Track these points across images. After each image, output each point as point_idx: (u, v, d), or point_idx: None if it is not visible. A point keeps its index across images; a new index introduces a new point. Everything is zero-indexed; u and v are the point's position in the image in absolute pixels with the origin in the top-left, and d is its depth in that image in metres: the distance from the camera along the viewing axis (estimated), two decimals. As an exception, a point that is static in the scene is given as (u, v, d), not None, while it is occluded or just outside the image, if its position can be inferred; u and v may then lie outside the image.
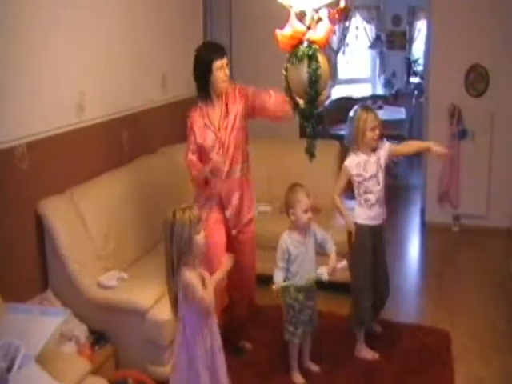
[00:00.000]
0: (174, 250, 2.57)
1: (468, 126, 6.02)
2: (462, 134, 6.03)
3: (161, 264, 3.84)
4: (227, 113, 3.48)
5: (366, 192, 3.74)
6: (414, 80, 11.10)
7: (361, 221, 3.78)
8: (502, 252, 5.66)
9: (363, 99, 9.41)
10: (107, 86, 4.17)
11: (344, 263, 3.56)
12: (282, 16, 6.59)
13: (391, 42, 11.08)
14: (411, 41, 11.36)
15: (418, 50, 11.35)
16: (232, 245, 3.59)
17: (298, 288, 3.44)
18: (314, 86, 2.39)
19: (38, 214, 3.44)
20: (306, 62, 2.40)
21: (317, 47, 2.41)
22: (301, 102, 2.42)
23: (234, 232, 3.62)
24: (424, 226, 6.52)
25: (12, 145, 3.25)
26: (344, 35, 9.41)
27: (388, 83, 11.15)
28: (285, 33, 2.44)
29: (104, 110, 4.14)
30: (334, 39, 9.37)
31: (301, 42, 2.44)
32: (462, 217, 6.28)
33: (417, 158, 8.40)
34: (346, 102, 9.14)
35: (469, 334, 4.14)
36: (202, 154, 3.47)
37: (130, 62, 4.49)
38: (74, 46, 3.77)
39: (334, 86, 9.46)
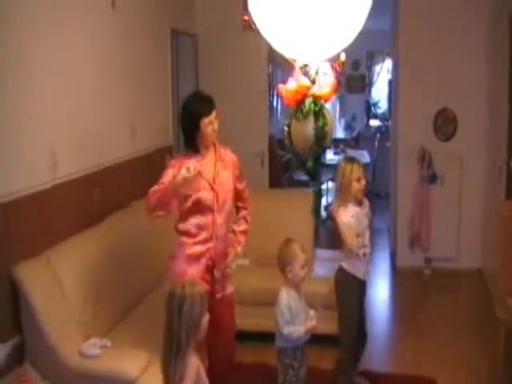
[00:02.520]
0: (182, 329, 2.34)
1: (437, 170, 6.07)
2: (432, 178, 6.07)
3: (143, 327, 3.71)
4: (222, 169, 3.34)
5: (363, 245, 3.67)
6: (375, 123, 11.26)
7: (357, 274, 3.73)
8: (475, 294, 5.68)
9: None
10: (78, 140, 4.01)
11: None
12: (247, 69, 6.67)
13: (350, 85, 11.24)
14: (370, 84, 11.56)
15: (377, 92, 11.55)
16: (211, 306, 3.39)
17: (297, 347, 3.31)
18: (321, 143, 2.30)
19: (13, 279, 3.20)
20: (312, 119, 2.31)
21: (323, 103, 2.33)
22: (309, 161, 2.32)
23: (219, 295, 3.41)
24: (395, 270, 6.48)
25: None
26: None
27: (348, 127, 11.28)
28: (289, 87, 2.35)
29: (76, 165, 3.97)
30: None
31: (305, 97, 2.35)
32: (433, 260, 6.27)
33: (379, 201, 8.48)
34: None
35: (454, 382, 4.06)
36: (193, 204, 3.27)
37: (101, 115, 4.36)
38: (43, 100, 3.60)
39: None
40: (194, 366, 2.37)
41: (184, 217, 3.30)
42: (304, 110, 2.31)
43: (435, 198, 6.12)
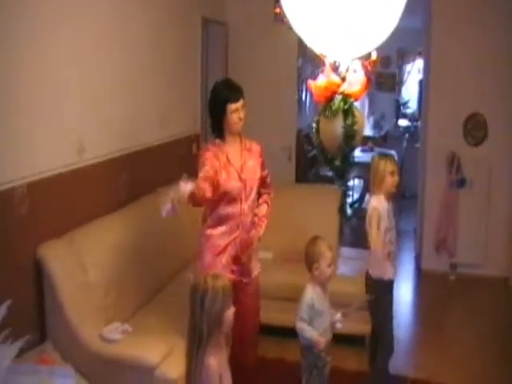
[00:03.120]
0: (203, 322, 2.35)
1: (466, 175, 6.00)
2: (461, 183, 6.00)
3: (164, 315, 3.75)
4: (248, 158, 3.39)
5: (390, 242, 3.67)
6: (403, 122, 11.14)
7: (384, 277, 3.72)
8: (500, 302, 5.59)
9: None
10: (107, 125, 4.06)
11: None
12: (276, 62, 6.62)
13: (380, 83, 11.12)
14: (401, 83, 11.43)
15: (407, 92, 11.43)
16: (237, 296, 3.42)
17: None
18: (350, 142, 2.29)
19: (37, 259, 3.25)
20: (341, 117, 2.30)
21: (352, 101, 2.32)
22: (337, 160, 2.31)
23: (246, 280, 3.45)
24: (419, 273, 6.43)
25: (12, 185, 3.08)
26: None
27: (377, 125, 11.17)
28: (319, 84, 2.34)
29: (104, 149, 4.02)
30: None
31: (335, 94, 2.34)
32: (458, 265, 6.20)
33: (405, 201, 8.40)
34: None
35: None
36: (223, 193, 3.28)
37: (130, 102, 4.40)
38: (75, 85, 3.66)
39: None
40: (212, 368, 2.37)
41: (212, 206, 3.33)
42: (333, 108, 2.30)
43: (463, 202, 6.04)
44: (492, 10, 5.82)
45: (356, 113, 2.32)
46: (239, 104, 3.27)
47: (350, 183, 8.57)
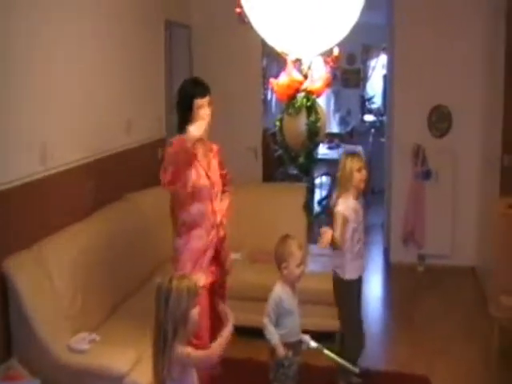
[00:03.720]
0: (168, 322, 2.33)
1: (432, 167, 6.04)
2: (427, 175, 6.05)
3: (132, 322, 3.68)
4: (213, 157, 3.39)
5: (358, 240, 3.67)
6: (369, 118, 11.22)
7: (353, 276, 3.74)
8: (468, 291, 5.67)
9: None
10: (70, 132, 3.97)
11: None
12: (241, 63, 6.56)
13: (346, 80, 11.19)
14: (365, 79, 11.50)
15: (372, 87, 11.50)
16: (212, 299, 3.38)
17: (288, 345, 3.27)
18: (314, 139, 2.26)
19: (2, 272, 3.16)
20: (304, 114, 2.27)
21: (315, 98, 2.29)
22: (300, 157, 2.29)
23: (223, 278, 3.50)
24: (388, 266, 6.47)
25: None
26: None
27: (343, 121, 11.23)
28: (281, 82, 2.31)
29: (70, 156, 3.93)
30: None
31: (297, 92, 2.31)
32: (426, 256, 6.25)
33: (373, 196, 8.45)
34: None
35: (449, 379, 4.05)
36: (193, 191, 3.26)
37: (94, 107, 4.31)
38: (38, 91, 3.57)
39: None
40: (184, 352, 2.36)
41: (181, 209, 3.30)
42: (296, 105, 2.27)
43: (430, 194, 6.10)
44: (453, 4, 5.88)
45: (319, 109, 2.29)
46: (205, 100, 3.25)
47: (318, 180, 8.60)
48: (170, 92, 5.66)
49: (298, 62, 2.28)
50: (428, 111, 6.06)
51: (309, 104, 2.26)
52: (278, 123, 2.42)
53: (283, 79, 2.32)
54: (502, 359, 4.03)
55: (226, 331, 2.59)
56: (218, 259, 3.41)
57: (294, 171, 8.12)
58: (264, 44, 6.12)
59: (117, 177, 4.66)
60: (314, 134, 2.26)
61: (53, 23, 3.73)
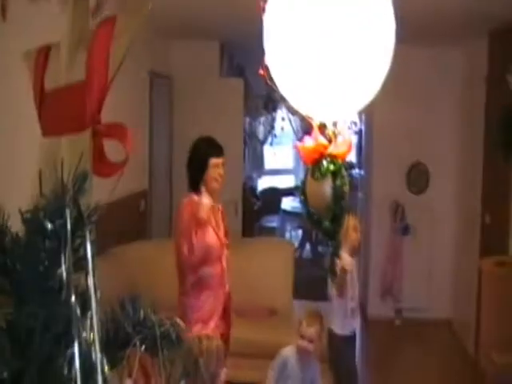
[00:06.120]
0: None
1: (410, 222, 6.15)
2: (405, 230, 6.14)
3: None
4: (223, 219, 3.40)
5: (352, 298, 3.68)
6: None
7: (348, 332, 3.73)
8: (445, 344, 5.76)
9: (289, 189, 9.47)
10: (29, 180, 3.85)
11: None
12: (221, 116, 6.51)
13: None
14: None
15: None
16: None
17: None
18: (339, 203, 2.27)
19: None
20: (329, 178, 2.29)
21: (340, 162, 2.32)
22: (326, 221, 2.28)
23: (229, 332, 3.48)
24: (365, 320, 6.47)
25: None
26: (271, 126, 9.56)
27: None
28: (307, 146, 2.33)
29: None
30: (261, 130, 9.49)
31: (322, 156, 2.33)
32: (403, 310, 6.31)
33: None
34: (273, 193, 9.19)
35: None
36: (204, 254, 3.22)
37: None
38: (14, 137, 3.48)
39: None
40: None
41: (194, 268, 3.23)
42: (322, 170, 2.29)
43: (407, 249, 6.21)
44: (431, 65, 6.11)
45: (344, 174, 2.32)
46: (221, 160, 3.27)
47: (288, 234, 8.63)
48: (152, 143, 5.63)
49: (323, 126, 2.31)
50: (406, 168, 6.20)
51: (334, 169, 2.29)
52: (300, 185, 2.44)
53: (309, 143, 2.34)
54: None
55: None
56: (224, 313, 3.39)
57: (271, 223, 8.18)
58: (245, 98, 6.27)
59: (99, 229, 4.54)
60: (340, 198, 2.27)
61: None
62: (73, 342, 0.77)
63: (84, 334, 0.79)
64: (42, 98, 1.17)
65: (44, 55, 1.18)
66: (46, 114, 1.16)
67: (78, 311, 0.79)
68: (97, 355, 0.79)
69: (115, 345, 0.91)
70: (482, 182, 5.21)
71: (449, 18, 4.57)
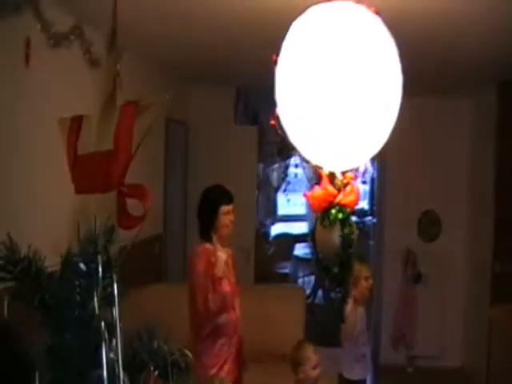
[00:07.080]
0: None
1: (422, 270, 6.19)
2: (417, 278, 6.18)
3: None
4: (233, 265, 3.44)
5: (363, 343, 3.71)
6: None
7: (359, 377, 3.75)
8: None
9: (302, 236, 9.52)
10: (60, 230, 3.92)
11: None
12: (236, 163, 6.58)
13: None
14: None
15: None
16: None
17: None
18: (348, 251, 2.37)
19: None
20: (338, 226, 2.39)
21: (348, 211, 2.42)
22: (334, 268, 2.38)
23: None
24: (377, 367, 6.44)
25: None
26: (285, 173, 9.68)
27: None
28: (316, 194, 2.45)
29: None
30: (275, 176, 9.60)
31: (331, 205, 2.44)
32: (416, 358, 6.29)
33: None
34: (286, 240, 9.24)
35: None
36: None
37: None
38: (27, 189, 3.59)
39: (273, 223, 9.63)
40: None
41: (208, 317, 3.24)
42: (331, 218, 2.40)
43: (420, 296, 6.22)
44: (442, 116, 6.25)
45: (352, 222, 2.43)
46: (231, 207, 3.35)
47: (300, 280, 8.65)
48: (167, 187, 5.75)
49: (332, 175, 2.42)
50: (418, 216, 6.27)
51: (343, 217, 2.39)
52: (309, 233, 2.55)
53: (318, 192, 2.46)
54: None
55: None
56: (237, 357, 3.40)
57: (284, 270, 8.23)
58: (260, 144, 6.37)
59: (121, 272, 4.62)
60: (348, 246, 2.37)
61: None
62: (101, 362, 0.91)
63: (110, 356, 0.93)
64: (75, 160, 1.33)
65: (77, 124, 1.35)
66: (77, 174, 1.33)
67: (106, 336, 0.94)
68: (120, 373, 0.93)
69: (133, 369, 1.04)
70: (493, 231, 5.27)
71: (457, 69, 4.71)
